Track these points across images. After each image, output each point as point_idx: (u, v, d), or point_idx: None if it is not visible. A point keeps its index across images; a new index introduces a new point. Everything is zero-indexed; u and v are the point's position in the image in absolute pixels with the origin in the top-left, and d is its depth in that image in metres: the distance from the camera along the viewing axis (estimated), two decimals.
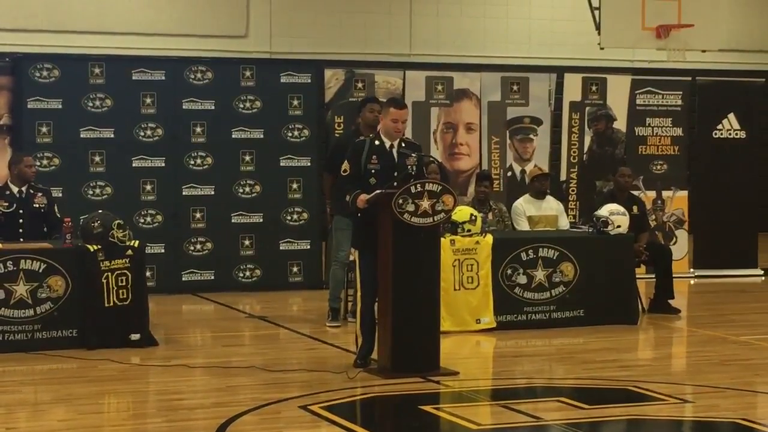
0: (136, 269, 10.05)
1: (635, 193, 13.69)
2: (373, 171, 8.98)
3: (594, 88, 15.51)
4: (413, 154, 9.05)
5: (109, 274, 9.93)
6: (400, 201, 8.64)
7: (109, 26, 13.86)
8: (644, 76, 15.70)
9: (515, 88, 15.23)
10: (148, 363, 9.42)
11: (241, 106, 14.13)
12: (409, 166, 9.00)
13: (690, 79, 15.88)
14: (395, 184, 8.82)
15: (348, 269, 11.17)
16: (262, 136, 14.20)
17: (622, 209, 11.82)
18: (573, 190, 15.43)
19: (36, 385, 8.72)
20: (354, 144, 9.30)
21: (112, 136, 13.69)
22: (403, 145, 9.09)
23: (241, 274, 14.17)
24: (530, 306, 11.19)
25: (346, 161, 9.09)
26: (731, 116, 15.97)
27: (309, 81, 14.39)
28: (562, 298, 11.27)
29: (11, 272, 9.79)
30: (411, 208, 8.67)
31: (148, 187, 13.86)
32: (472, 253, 10.96)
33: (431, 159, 11.35)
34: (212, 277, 14.06)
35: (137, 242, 10.19)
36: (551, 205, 12.57)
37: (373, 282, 8.95)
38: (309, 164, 14.31)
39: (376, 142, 9.06)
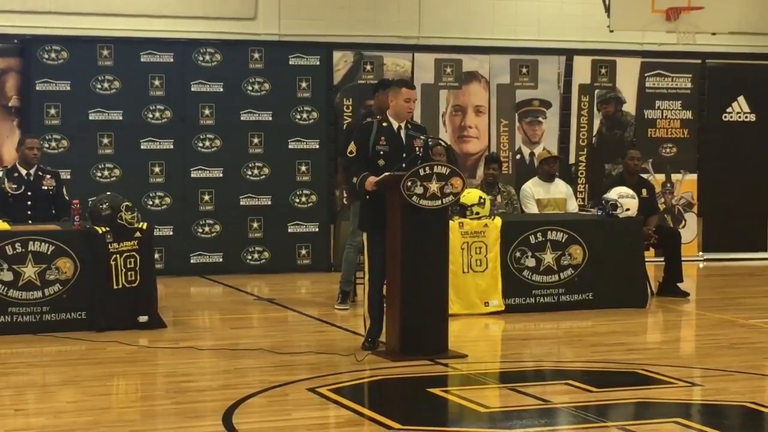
0: (144, 251, 10.06)
1: (644, 176, 13.66)
2: (381, 153, 8.97)
3: (603, 70, 15.47)
4: (422, 137, 9.05)
5: (118, 256, 9.94)
6: (409, 183, 8.62)
7: (117, 8, 13.81)
8: (654, 58, 15.65)
9: (524, 70, 15.20)
10: (157, 345, 9.43)
11: (250, 88, 14.12)
12: (417, 148, 8.99)
13: (700, 61, 15.83)
14: (404, 165, 8.81)
15: (359, 252, 11.18)
16: (270, 119, 14.20)
17: (631, 192, 11.79)
18: (582, 173, 15.41)
19: (44, 367, 8.73)
20: (361, 126, 9.30)
21: (121, 118, 13.69)
22: (410, 126, 9.09)
23: (250, 257, 14.18)
24: (539, 289, 11.18)
25: (352, 142, 9.07)
26: (741, 99, 15.94)
27: (318, 63, 14.38)
28: (570, 281, 11.26)
29: (20, 254, 9.81)
30: (420, 190, 8.66)
31: (157, 169, 13.86)
32: (480, 236, 10.95)
33: (438, 141, 11.34)
34: (220, 260, 14.07)
35: (146, 224, 10.19)
36: (560, 188, 12.56)
37: (381, 264, 8.94)
38: (317, 147, 14.30)
39: (384, 124, 9.05)
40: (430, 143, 11.28)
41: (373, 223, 9.00)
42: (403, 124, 9.05)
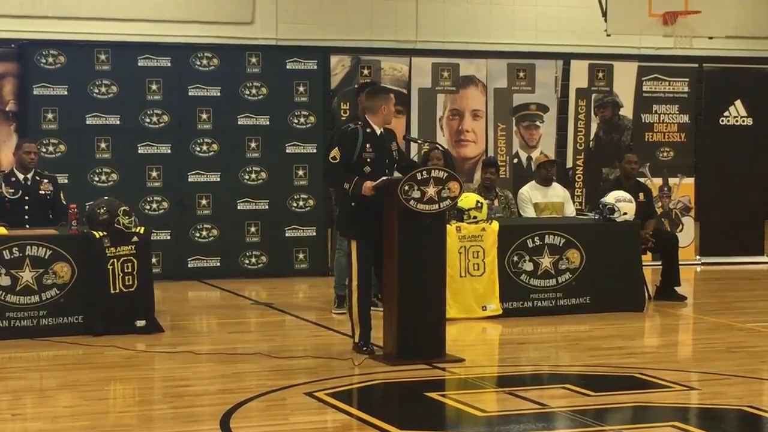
0: (141, 256, 10.06)
1: (642, 180, 13.66)
2: (368, 160, 8.97)
3: (600, 74, 15.48)
4: (418, 140, 9.13)
5: (115, 260, 9.93)
6: (406, 187, 8.63)
7: (115, 12, 13.80)
8: (651, 62, 15.66)
9: (521, 74, 15.21)
10: (154, 349, 9.42)
11: (247, 92, 14.12)
12: (393, 151, 9.11)
13: (697, 65, 15.85)
14: (387, 171, 8.85)
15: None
16: (268, 123, 14.20)
17: (628, 196, 11.79)
18: (579, 177, 15.41)
19: (42, 372, 8.73)
20: (346, 132, 9.23)
21: (118, 122, 13.69)
22: (383, 131, 9.15)
23: (247, 261, 14.18)
24: (536, 293, 11.18)
25: (336, 149, 9.03)
26: (738, 103, 15.96)
27: (315, 67, 14.39)
28: (568, 285, 11.26)
29: (17, 258, 9.80)
30: (417, 194, 8.67)
31: (154, 174, 13.86)
32: (478, 240, 10.95)
33: (436, 145, 11.36)
34: (218, 264, 14.07)
35: (143, 229, 10.19)
36: (557, 192, 12.56)
37: (369, 269, 8.96)
38: (315, 151, 14.30)
39: (368, 130, 9.05)
40: (427, 147, 11.39)
41: (360, 229, 8.97)
42: (382, 130, 9.09)
